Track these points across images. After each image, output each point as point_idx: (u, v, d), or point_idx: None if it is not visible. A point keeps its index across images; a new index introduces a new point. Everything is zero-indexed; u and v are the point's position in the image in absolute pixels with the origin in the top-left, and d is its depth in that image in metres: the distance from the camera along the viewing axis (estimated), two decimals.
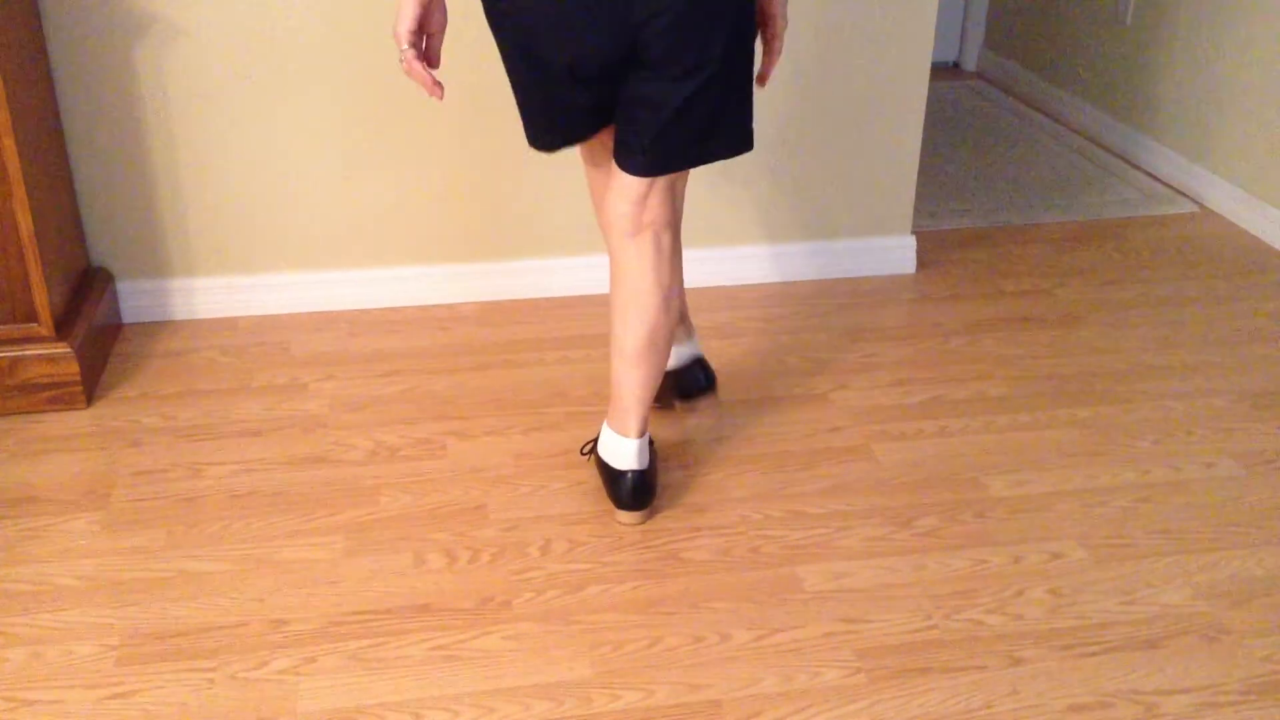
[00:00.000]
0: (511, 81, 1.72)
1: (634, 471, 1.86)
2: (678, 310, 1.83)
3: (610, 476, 1.89)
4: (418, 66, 1.57)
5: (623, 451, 1.85)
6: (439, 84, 1.57)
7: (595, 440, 1.97)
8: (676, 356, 2.11)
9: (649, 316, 1.78)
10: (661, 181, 1.72)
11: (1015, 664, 1.64)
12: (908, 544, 1.89)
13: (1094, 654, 1.66)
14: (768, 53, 1.75)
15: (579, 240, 2.64)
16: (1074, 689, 1.60)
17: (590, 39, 1.58)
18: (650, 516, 1.91)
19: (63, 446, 2.10)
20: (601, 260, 2.66)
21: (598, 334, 2.51)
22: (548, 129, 1.74)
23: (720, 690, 1.60)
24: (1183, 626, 1.72)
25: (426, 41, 1.60)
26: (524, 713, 1.55)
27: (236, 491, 1.99)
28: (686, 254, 2.70)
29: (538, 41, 1.61)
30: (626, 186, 1.73)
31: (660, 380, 1.86)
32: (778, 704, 1.57)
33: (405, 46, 1.56)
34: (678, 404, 2.15)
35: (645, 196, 1.73)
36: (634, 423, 1.84)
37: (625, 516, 1.90)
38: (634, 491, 1.87)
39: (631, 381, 1.82)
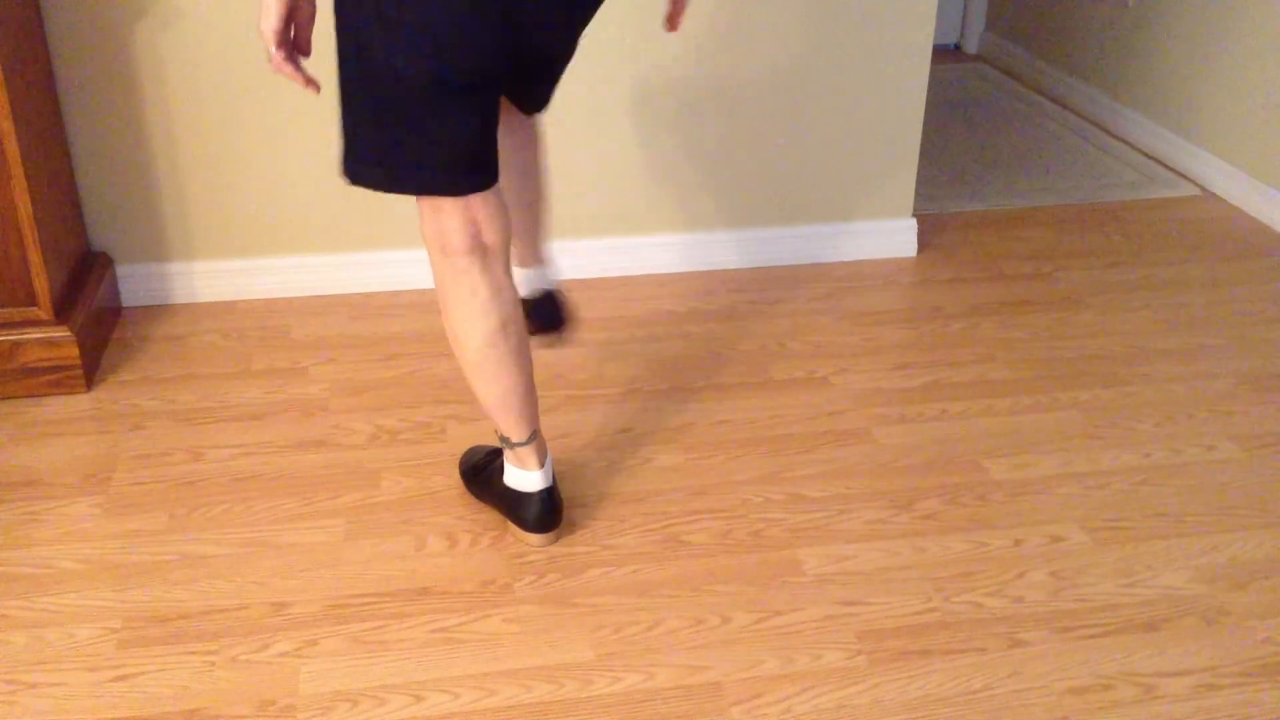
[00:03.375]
0: (370, 108, 1.50)
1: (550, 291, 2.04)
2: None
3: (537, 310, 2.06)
4: (288, 67, 1.41)
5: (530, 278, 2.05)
6: (313, 80, 1.43)
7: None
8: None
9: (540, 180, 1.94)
10: None
11: (1016, 646, 1.65)
12: (908, 527, 1.89)
13: (1094, 636, 1.67)
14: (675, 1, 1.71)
15: (580, 224, 2.63)
16: (1074, 671, 1.61)
17: (476, 30, 1.44)
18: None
19: (63, 430, 2.10)
20: (603, 243, 2.66)
21: (599, 317, 2.51)
22: (462, 161, 1.55)
23: (721, 672, 1.60)
24: (1183, 609, 1.72)
25: (295, 34, 1.43)
26: (525, 694, 1.56)
27: (237, 475, 1.99)
28: (687, 238, 2.70)
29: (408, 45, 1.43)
30: (515, 119, 1.82)
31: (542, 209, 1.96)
32: (778, 686, 1.58)
33: (273, 47, 1.40)
34: (509, 525, 1.87)
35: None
36: (530, 254, 2.02)
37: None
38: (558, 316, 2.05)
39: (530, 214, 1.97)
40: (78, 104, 2.34)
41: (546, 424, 2.13)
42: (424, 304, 2.55)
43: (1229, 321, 2.54)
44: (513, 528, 1.83)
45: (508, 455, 1.78)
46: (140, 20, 2.29)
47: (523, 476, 1.77)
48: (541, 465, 1.77)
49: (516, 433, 1.74)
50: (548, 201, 1.98)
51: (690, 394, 2.24)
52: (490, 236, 1.62)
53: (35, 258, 2.10)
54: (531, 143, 1.88)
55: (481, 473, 1.89)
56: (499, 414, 1.72)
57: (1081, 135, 3.63)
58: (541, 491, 1.78)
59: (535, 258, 2.02)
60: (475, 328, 1.64)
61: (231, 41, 2.34)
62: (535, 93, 1.75)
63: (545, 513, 1.79)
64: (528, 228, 1.95)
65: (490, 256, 1.63)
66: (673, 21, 1.71)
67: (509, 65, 1.52)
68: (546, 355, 2.36)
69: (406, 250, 2.59)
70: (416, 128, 1.49)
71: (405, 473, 2.00)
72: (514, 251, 1.98)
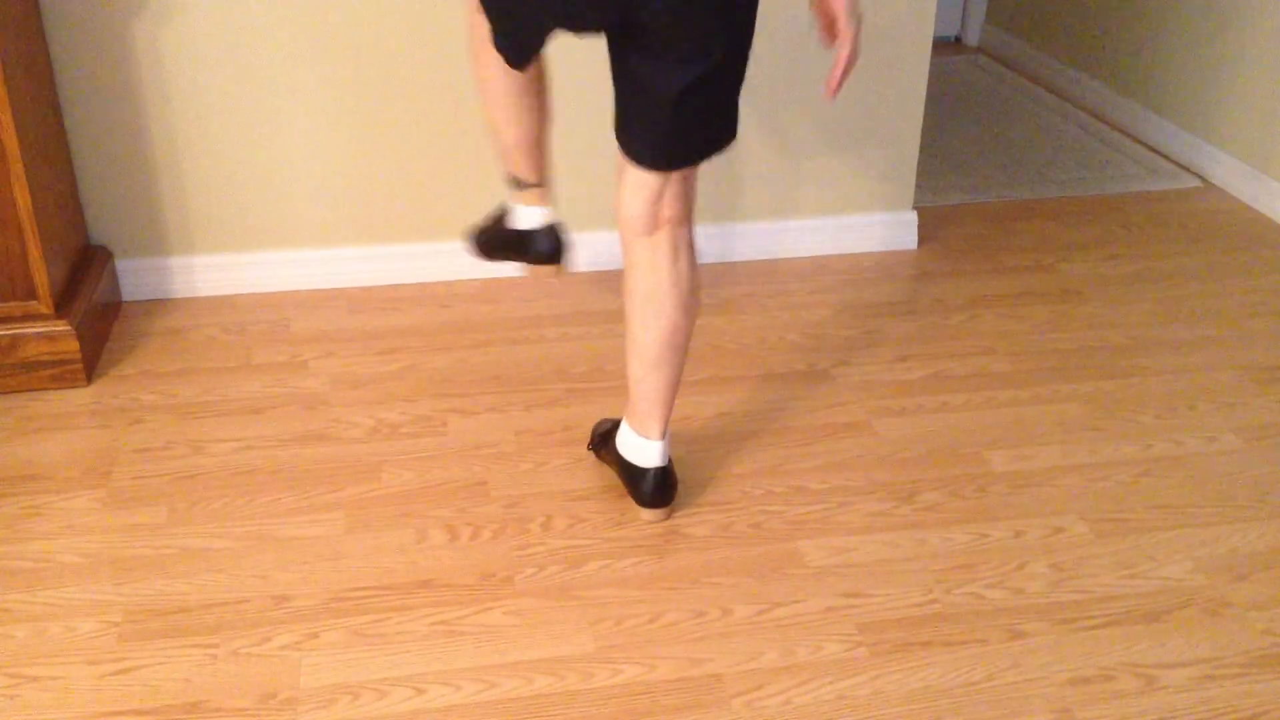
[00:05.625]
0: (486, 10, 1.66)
1: (656, 469, 1.83)
2: (697, 308, 1.78)
3: (632, 474, 1.85)
4: None
5: (645, 451, 1.83)
6: None
7: (600, 436, 1.96)
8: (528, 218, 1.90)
9: (667, 317, 1.73)
10: (676, 175, 1.67)
11: (1016, 637, 1.65)
12: (909, 519, 1.89)
13: (1095, 627, 1.67)
14: (837, 59, 1.52)
15: (578, 216, 2.63)
16: (1075, 662, 1.61)
17: (580, 7, 1.53)
18: (672, 514, 1.90)
19: (63, 424, 2.10)
20: (602, 236, 2.66)
21: (598, 310, 2.50)
22: (513, 49, 1.67)
23: (721, 664, 1.60)
24: (1184, 600, 1.72)
25: None
26: (526, 687, 1.56)
27: (237, 469, 1.99)
28: None
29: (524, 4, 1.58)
30: (641, 183, 1.68)
31: (679, 379, 1.81)
32: (779, 678, 1.58)
33: None
34: (522, 263, 1.94)
35: (661, 193, 1.68)
36: (656, 425, 1.81)
37: (649, 514, 1.87)
38: (657, 489, 1.84)
39: (652, 384, 1.78)
40: (77, 98, 2.34)
41: (549, 418, 2.13)
42: (424, 298, 2.55)
43: (1230, 313, 2.54)
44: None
45: (514, 199, 1.85)
46: (139, 14, 2.29)
47: (525, 214, 1.84)
48: (545, 204, 1.84)
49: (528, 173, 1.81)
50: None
51: (690, 387, 2.24)
52: None
53: (35, 252, 2.10)
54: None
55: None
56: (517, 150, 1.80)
57: (1082, 127, 3.63)
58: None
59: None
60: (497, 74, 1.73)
61: (231, 35, 2.33)
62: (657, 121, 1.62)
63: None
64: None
65: None
66: (832, 86, 1.54)
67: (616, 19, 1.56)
68: (547, 349, 2.36)
69: (406, 244, 2.59)
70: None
71: (405, 466, 1.99)
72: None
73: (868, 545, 1.82)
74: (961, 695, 1.55)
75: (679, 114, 1.60)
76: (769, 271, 2.70)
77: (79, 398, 2.18)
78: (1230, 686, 1.57)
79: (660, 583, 1.74)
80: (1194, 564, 1.79)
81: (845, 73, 1.53)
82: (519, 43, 1.65)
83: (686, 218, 1.72)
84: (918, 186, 3.18)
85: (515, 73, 1.72)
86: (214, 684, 1.56)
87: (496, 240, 1.93)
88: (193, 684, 1.56)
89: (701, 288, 1.76)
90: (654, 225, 1.70)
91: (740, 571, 1.77)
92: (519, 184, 1.83)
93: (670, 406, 1.81)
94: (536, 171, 1.82)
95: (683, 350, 1.78)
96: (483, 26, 1.73)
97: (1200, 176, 3.28)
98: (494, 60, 1.71)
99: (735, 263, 2.73)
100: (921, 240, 2.86)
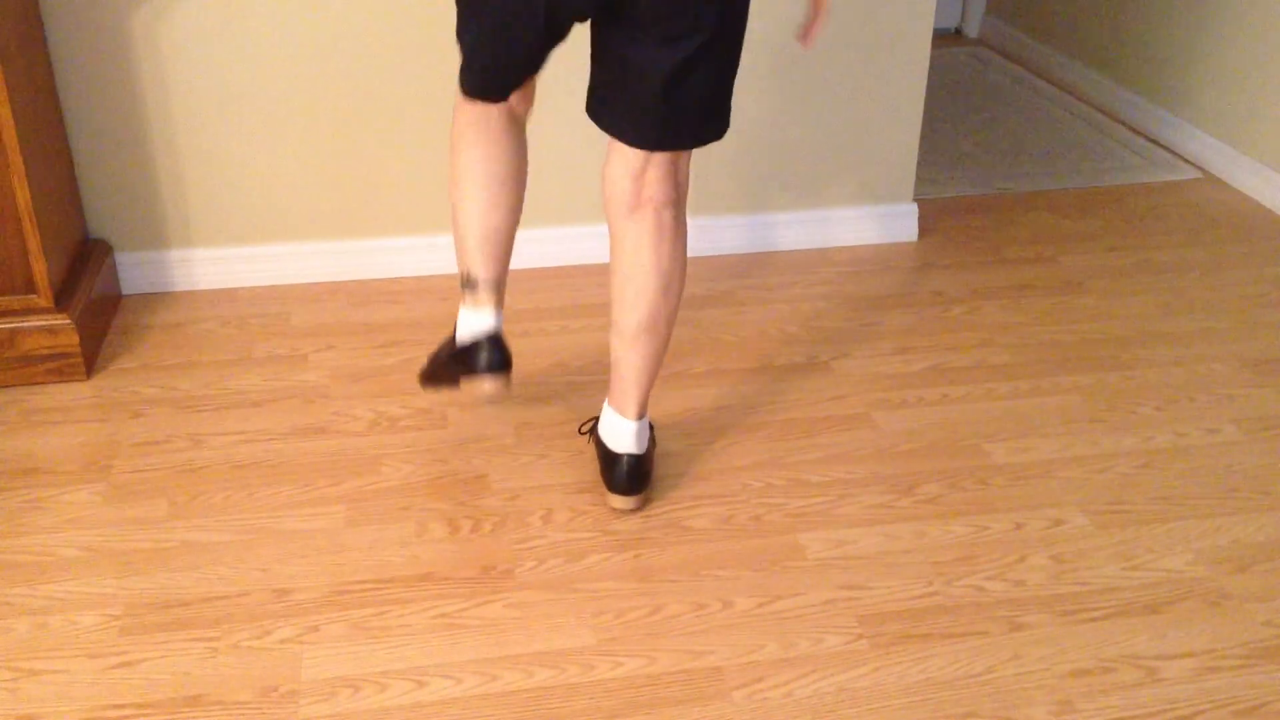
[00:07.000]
0: (463, 21, 1.64)
1: (630, 455, 1.82)
2: (680, 293, 1.75)
3: (606, 459, 1.85)
4: None
5: (621, 432, 1.81)
6: None
7: (595, 419, 1.96)
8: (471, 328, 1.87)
9: (646, 298, 1.71)
10: (660, 156, 1.65)
11: (1017, 629, 1.65)
12: (909, 511, 1.89)
13: (1095, 619, 1.67)
14: (815, 11, 1.59)
15: (578, 210, 2.63)
16: (1075, 654, 1.61)
17: None
18: (644, 504, 1.89)
19: (63, 418, 2.10)
20: (602, 230, 2.65)
21: (598, 303, 2.50)
22: (489, 72, 1.66)
23: (722, 657, 1.60)
24: (1184, 591, 1.72)
25: None
26: (526, 680, 1.56)
27: (238, 462, 1.99)
28: (689, 222, 2.69)
29: None
30: (624, 158, 1.66)
31: (662, 361, 1.78)
32: (780, 670, 1.58)
33: None
34: (461, 381, 1.89)
35: (643, 171, 1.66)
36: (633, 404, 1.80)
37: (618, 501, 1.86)
38: (629, 476, 1.83)
39: (630, 361, 1.77)
40: (76, 91, 2.34)
41: (549, 411, 2.13)
42: (423, 290, 2.55)
43: (1230, 305, 2.54)
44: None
45: (466, 302, 1.82)
46: (138, 8, 2.29)
47: (473, 319, 1.81)
48: (494, 308, 1.82)
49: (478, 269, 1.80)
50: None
51: (691, 379, 2.24)
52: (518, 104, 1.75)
53: (34, 245, 2.10)
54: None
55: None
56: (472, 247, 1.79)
57: (1082, 119, 3.62)
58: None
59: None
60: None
61: (229, 29, 2.33)
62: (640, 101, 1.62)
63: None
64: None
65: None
66: (808, 35, 1.60)
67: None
68: (548, 342, 2.36)
69: (406, 237, 2.59)
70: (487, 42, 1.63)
71: (406, 459, 1.99)
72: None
73: (868, 538, 1.83)
74: (962, 687, 1.55)
75: (668, 95, 1.58)
76: (768, 263, 2.69)
77: (79, 391, 2.18)
78: (1231, 678, 1.57)
79: (661, 575, 1.75)
80: (1194, 555, 1.80)
81: (819, 23, 1.56)
82: (502, 59, 1.62)
83: (672, 200, 1.69)
84: (918, 178, 3.17)
85: (495, 155, 1.72)
86: (215, 677, 1.56)
87: (439, 364, 1.91)
88: (193, 677, 1.56)
89: (685, 272, 1.73)
90: (636, 204, 1.68)
91: (741, 564, 1.77)
92: (473, 284, 1.79)
93: (647, 387, 1.80)
94: (497, 268, 1.80)
95: (663, 332, 1.76)
96: (465, 109, 1.72)
97: (1200, 168, 3.27)
98: (474, 138, 1.71)
99: (735, 255, 2.73)
100: (922, 232, 2.86)
